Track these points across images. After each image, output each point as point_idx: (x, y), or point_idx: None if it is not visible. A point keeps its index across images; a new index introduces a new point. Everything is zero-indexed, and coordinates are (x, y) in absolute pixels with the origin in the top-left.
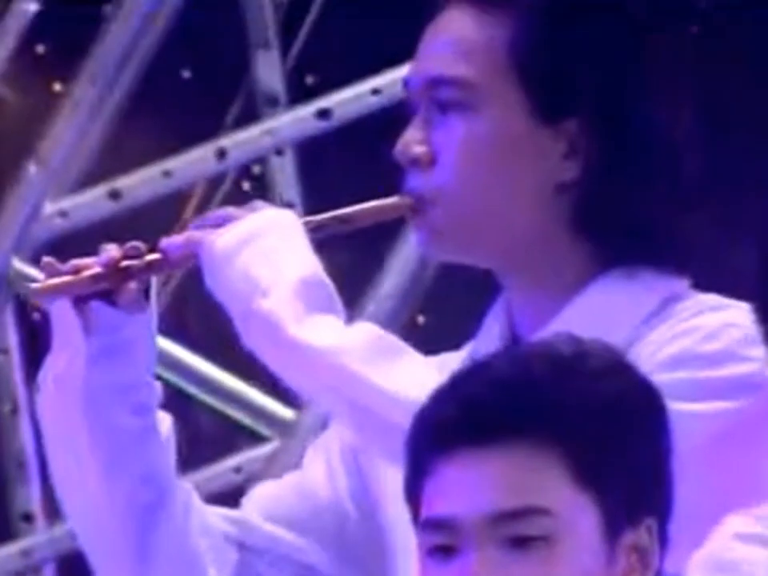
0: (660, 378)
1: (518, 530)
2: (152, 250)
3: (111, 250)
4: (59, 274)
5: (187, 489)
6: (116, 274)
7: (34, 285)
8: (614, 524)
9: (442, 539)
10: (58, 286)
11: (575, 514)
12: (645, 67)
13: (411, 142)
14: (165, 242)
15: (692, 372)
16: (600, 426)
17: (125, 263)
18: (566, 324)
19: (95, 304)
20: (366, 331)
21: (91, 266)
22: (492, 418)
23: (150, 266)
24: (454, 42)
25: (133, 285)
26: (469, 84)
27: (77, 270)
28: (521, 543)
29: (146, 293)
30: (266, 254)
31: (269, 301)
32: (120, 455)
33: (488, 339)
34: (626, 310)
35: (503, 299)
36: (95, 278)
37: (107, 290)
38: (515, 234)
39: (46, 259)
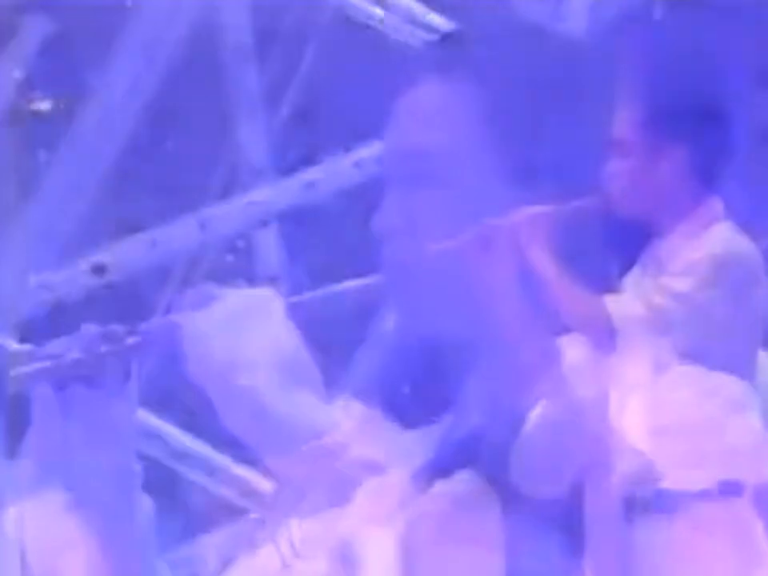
0: None
1: None
2: (131, 333)
3: (91, 332)
4: (40, 359)
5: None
6: (96, 359)
7: (15, 371)
8: None
9: None
10: (39, 372)
11: None
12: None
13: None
14: (144, 325)
15: None
16: None
17: (104, 348)
18: None
19: (75, 386)
20: (346, 407)
21: (72, 350)
22: None
23: (130, 350)
24: (425, 113)
25: (113, 368)
26: (439, 156)
27: (58, 356)
28: None
29: (126, 371)
30: (246, 333)
31: (249, 378)
32: (101, 538)
33: None
34: None
35: None
36: (76, 363)
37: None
38: None
39: (27, 348)
